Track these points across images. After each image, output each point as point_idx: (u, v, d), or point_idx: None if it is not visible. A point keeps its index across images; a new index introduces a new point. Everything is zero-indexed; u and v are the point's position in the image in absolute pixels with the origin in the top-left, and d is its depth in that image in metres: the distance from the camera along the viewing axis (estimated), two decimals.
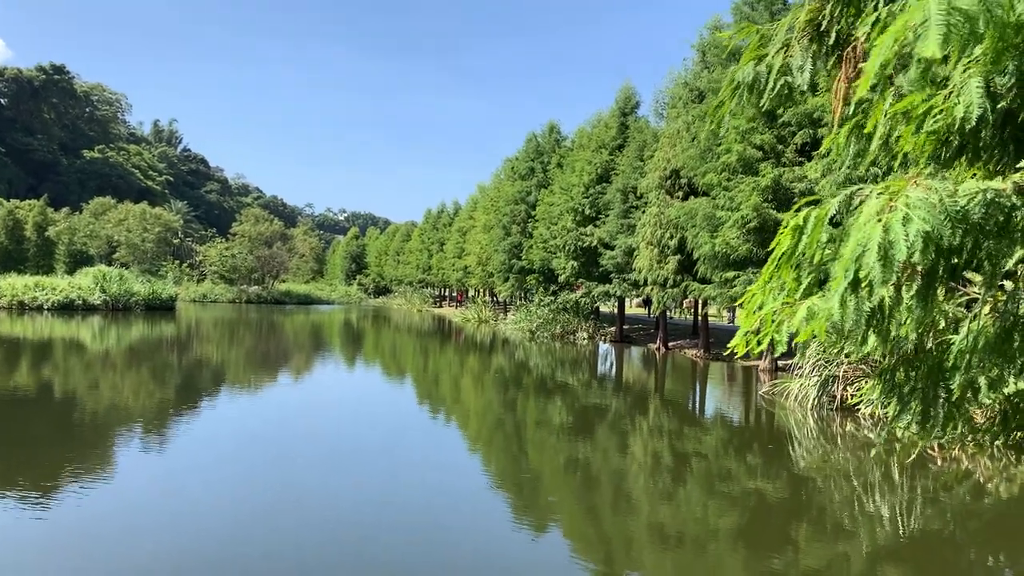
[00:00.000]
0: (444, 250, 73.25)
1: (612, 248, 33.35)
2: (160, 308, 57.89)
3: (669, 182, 28.21)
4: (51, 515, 9.13)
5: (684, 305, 32.57)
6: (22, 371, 22.81)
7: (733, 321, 46.67)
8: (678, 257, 27.32)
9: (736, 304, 25.80)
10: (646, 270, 28.48)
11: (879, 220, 2.62)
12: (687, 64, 30.27)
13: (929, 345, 3.75)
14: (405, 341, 41.57)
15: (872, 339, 3.07)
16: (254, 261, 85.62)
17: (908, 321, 3.22)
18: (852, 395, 17.44)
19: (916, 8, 2.27)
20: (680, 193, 27.82)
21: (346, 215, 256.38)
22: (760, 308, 3.35)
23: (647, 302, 55.96)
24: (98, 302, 54.68)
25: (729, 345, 3.50)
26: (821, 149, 5.05)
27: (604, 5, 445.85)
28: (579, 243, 36.02)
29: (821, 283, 3.14)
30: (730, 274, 22.69)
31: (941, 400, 3.80)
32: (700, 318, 32.33)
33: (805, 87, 3.89)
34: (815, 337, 2.99)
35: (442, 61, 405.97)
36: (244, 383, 22.88)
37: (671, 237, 27.38)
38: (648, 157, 31.25)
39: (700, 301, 30.14)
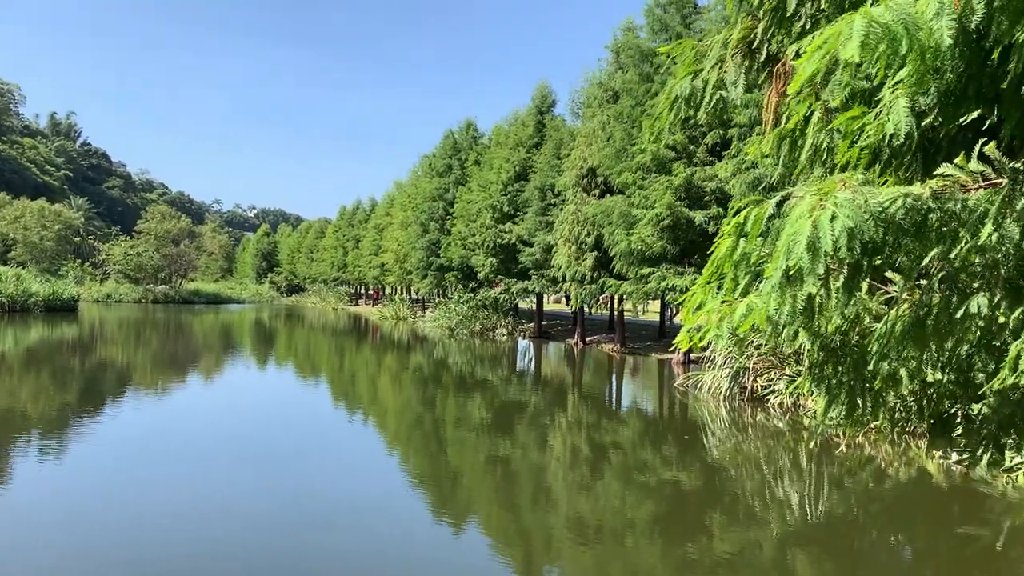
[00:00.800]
0: (360, 247, 72.42)
1: (531, 245, 33.70)
2: (61, 309, 55.31)
3: (586, 180, 28.70)
4: None
5: (601, 301, 33.21)
6: None
7: (642, 314, 47.57)
8: (595, 254, 27.83)
9: (651, 299, 26.47)
10: (564, 267, 28.91)
11: (809, 217, 2.85)
12: (602, 65, 30.88)
13: (854, 339, 4.04)
14: (320, 340, 40.94)
15: (802, 334, 3.30)
16: (161, 260, 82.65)
17: (835, 315, 3.48)
18: (762, 386, 18.20)
19: (843, 22, 2.52)
20: (597, 191, 28.33)
21: (256, 212, 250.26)
22: (701, 307, 3.55)
23: (567, 298, 56.77)
24: None
25: (675, 342, 3.69)
26: (750, 157, 5.33)
27: (523, 4, 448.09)
28: (498, 240, 36.23)
29: (757, 281, 3.37)
30: (645, 270, 23.26)
31: (866, 391, 4.10)
32: (616, 314, 33.02)
33: (739, 101, 4.12)
34: (756, 331, 3.21)
35: (357, 57, 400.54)
36: (151, 386, 22.13)
37: (588, 234, 27.87)
38: (565, 155, 31.70)
39: (616, 297, 30.79)
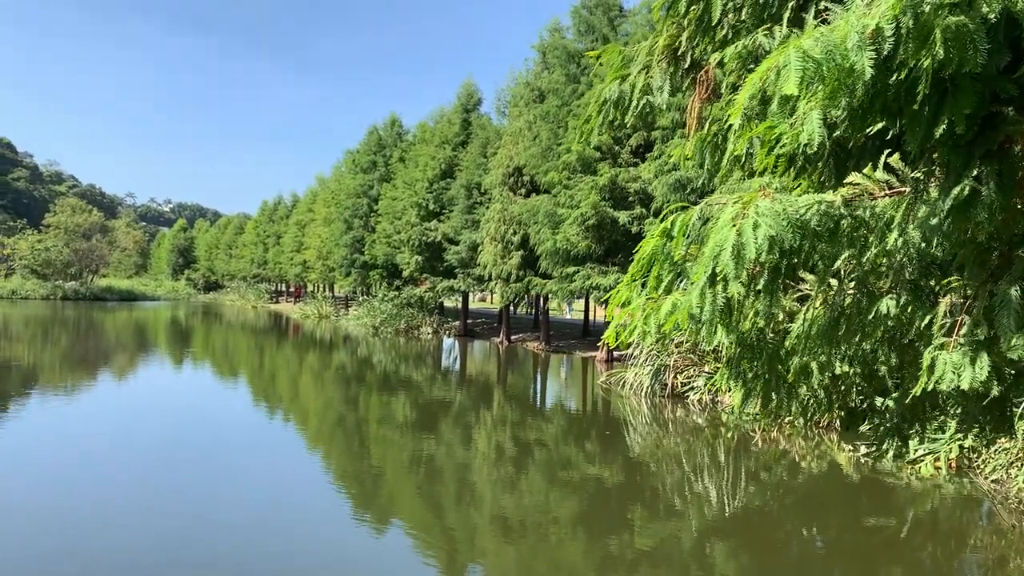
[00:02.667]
0: (281, 244, 71.02)
1: (456, 243, 33.70)
2: None
3: (512, 179, 28.86)
4: None
5: (527, 299, 33.54)
6: None
7: (570, 312, 48.24)
8: (521, 253, 28.02)
9: (575, 298, 26.82)
10: (490, 265, 29.01)
11: (734, 226, 3.01)
12: (528, 64, 31.12)
13: (769, 335, 4.23)
14: (239, 339, 40.01)
15: (720, 331, 3.46)
16: (71, 255, 79.38)
17: (754, 313, 3.65)
18: (682, 383, 18.67)
19: (777, 54, 2.68)
20: (523, 190, 28.53)
21: (172, 206, 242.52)
22: (627, 304, 3.67)
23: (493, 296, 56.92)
24: None
25: (603, 338, 3.80)
26: (672, 159, 5.52)
27: (448, 2, 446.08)
28: (423, 238, 36.10)
29: (679, 280, 3.52)
30: (570, 269, 23.55)
31: (780, 384, 4.30)
32: (542, 312, 33.32)
33: (664, 106, 4.26)
34: (678, 328, 3.35)
35: (277, 49, 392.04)
36: (58, 386, 21.24)
37: (514, 233, 28.04)
38: (492, 154, 31.81)
39: (542, 296, 31.07)
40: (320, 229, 55.53)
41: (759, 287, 3.37)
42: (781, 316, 4.27)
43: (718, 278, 3.06)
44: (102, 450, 13.05)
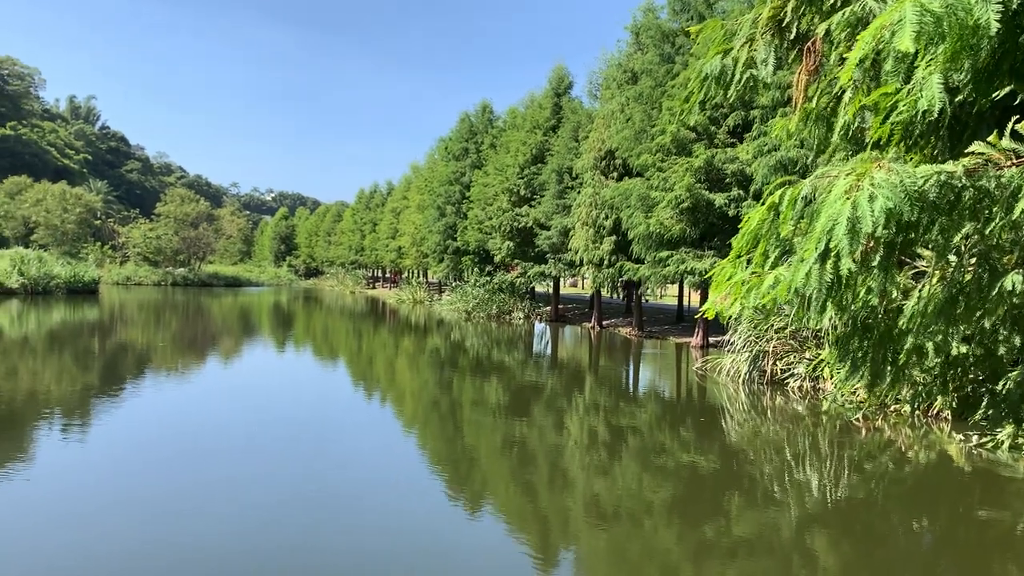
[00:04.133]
0: (377, 231, 72.58)
1: (548, 228, 33.65)
2: (82, 291, 55.93)
3: (604, 163, 28.58)
4: None
5: (619, 285, 33.25)
6: None
7: (660, 298, 47.49)
8: (613, 237, 27.74)
9: (669, 283, 26.43)
10: (582, 250, 28.85)
11: (848, 198, 2.86)
12: (621, 46, 30.69)
13: (881, 314, 4.04)
14: (338, 323, 41.16)
15: (830, 308, 3.32)
16: (180, 242, 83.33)
17: (865, 291, 3.48)
18: (781, 369, 18.15)
19: (893, 10, 2.51)
20: (615, 174, 28.22)
21: (274, 195, 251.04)
22: (730, 279, 3.57)
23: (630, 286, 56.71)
24: (16, 286, 52.46)
25: (701, 309, 3.72)
26: (774, 136, 5.32)
27: None
28: (514, 224, 36.20)
29: (786, 256, 3.39)
30: (664, 254, 23.19)
31: (889, 364, 4.11)
32: (634, 297, 32.99)
33: (768, 79, 4.11)
34: (778, 305, 3.23)
35: (372, 40, 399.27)
36: (171, 368, 22.37)
37: (606, 217, 27.78)
38: (583, 138, 31.57)
39: (634, 281, 30.76)
40: (414, 216, 56.45)
41: (873, 264, 3.21)
42: (895, 294, 4.07)
43: (831, 254, 2.93)
44: (207, 429, 13.68)
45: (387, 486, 10.20)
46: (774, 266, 3.41)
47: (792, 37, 4.05)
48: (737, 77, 4.20)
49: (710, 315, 3.81)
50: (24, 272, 53.57)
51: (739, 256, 3.64)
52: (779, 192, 3.40)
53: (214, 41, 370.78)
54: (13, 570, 7.09)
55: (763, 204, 3.43)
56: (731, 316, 3.69)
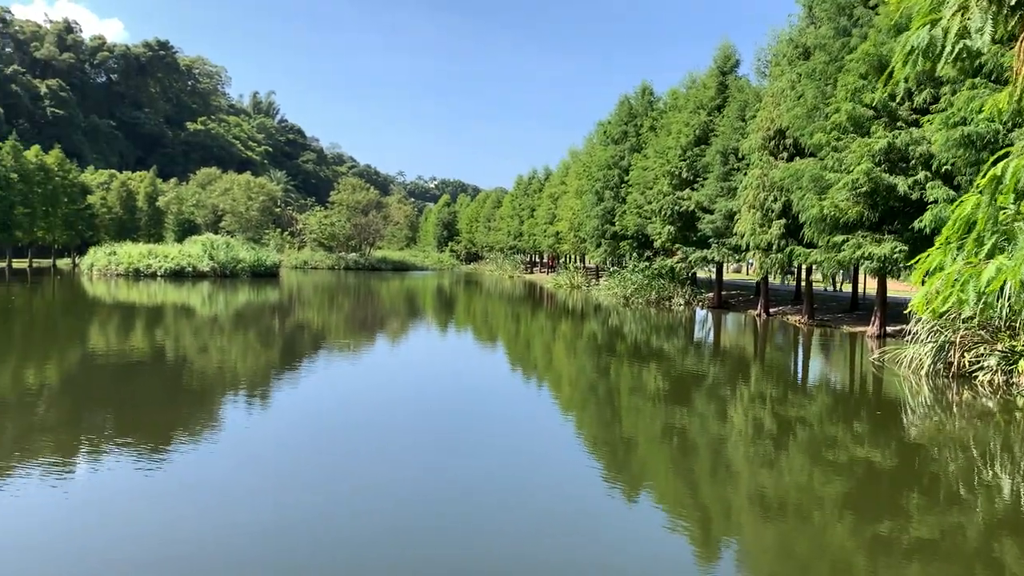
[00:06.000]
0: (535, 216, 73.27)
1: (711, 212, 32.64)
2: (264, 274, 60.16)
3: (773, 143, 27.33)
4: (158, 473, 9.73)
5: (788, 270, 31.77)
6: (143, 334, 24.22)
7: (839, 288, 45.01)
8: (782, 221, 26.49)
9: (843, 269, 24.94)
10: (748, 234, 27.76)
11: None
12: (792, 20, 29.14)
13: None
14: (497, 306, 41.97)
15: None
16: (351, 229, 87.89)
17: None
18: (970, 362, 16.70)
19: None
20: (785, 154, 26.91)
21: (436, 182, 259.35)
22: (939, 269, 3.23)
23: (749, 267, 54.70)
24: (206, 269, 57.20)
25: (911, 305, 3.41)
26: (985, 111, 4.79)
27: None
28: (676, 207, 35.39)
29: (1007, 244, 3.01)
30: (838, 238, 21.88)
31: None
32: (804, 283, 31.44)
33: (985, 49, 3.69)
34: (1005, 298, 2.88)
35: (526, 24, 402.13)
36: (344, 346, 23.64)
37: (775, 200, 26.56)
38: (750, 117, 30.33)
39: (805, 266, 29.28)
40: (572, 201, 56.51)
41: None
42: None
43: None
44: (376, 407, 14.34)
45: (545, 471, 10.27)
46: (990, 254, 3.04)
47: (1013, 2, 3.61)
48: (948, 49, 3.79)
49: (920, 311, 3.47)
50: (214, 256, 58.29)
51: (948, 242, 3.28)
52: (1003, 164, 3.03)
53: (379, 34, 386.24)
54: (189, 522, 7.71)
55: (983, 178, 3.06)
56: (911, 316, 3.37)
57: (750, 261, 31.36)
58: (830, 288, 43.34)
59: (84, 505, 8.17)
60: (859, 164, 20.37)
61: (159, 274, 55.88)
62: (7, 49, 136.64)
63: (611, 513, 8.49)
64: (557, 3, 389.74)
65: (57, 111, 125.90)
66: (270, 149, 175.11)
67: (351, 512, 8.22)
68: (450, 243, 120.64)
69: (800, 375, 19.44)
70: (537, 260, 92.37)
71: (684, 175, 35.26)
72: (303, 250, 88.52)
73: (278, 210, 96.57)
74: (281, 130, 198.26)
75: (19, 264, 77.34)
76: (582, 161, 56.89)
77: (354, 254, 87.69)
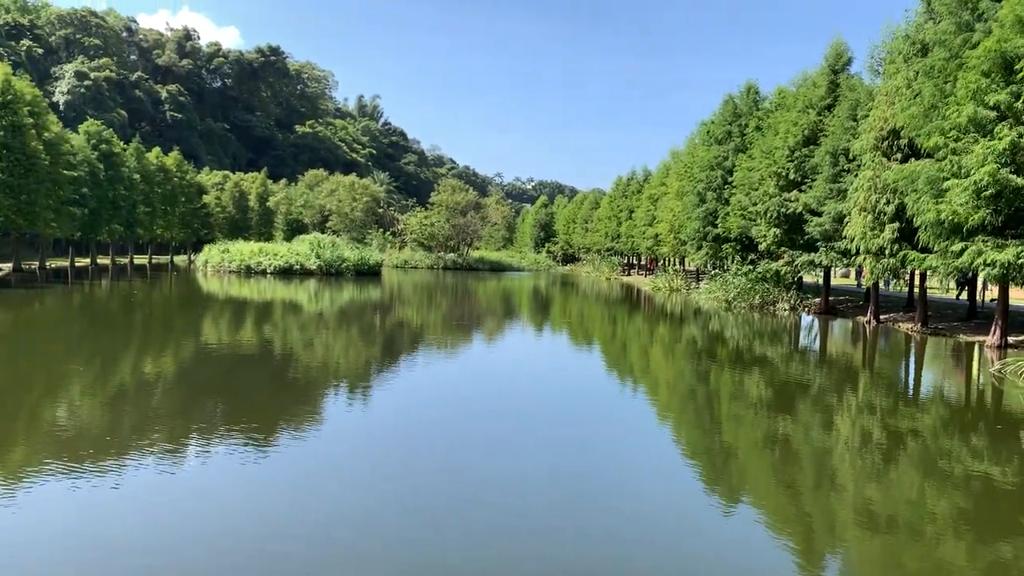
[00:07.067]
0: (634, 218, 72.52)
1: (819, 215, 31.55)
2: (367, 273, 61.78)
3: (886, 143, 26.20)
4: (267, 461, 10.16)
5: (901, 276, 30.33)
6: (254, 328, 25.32)
7: (959, 296, 42.83)
8: (895, 224, 25.36)
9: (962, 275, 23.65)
10: (858, 238, 26.70)
11: None
12: (908, 16, 27.84)
13: None
14: (593, 308, 41.80)
15: None
16: (450, 229, 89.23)
17: None
18: None
19: None
20: (899, 155, 25.76)
21: (533, 184, 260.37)
22: None
23: (858, 274, 52.60)
24: (313, 267, 59.20)
25: None
26: None
27: None
28: (782, 209, 34.37)
29: None
30: (957, 245, 20.79)
31: None
32: (918, 290, 30.04)
33: None
34: None
35: (630, 26, 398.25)
36: (442, 344, 24.05)
37: (887, 203, 25.45)
38: (862, 117, 29.18)
39: (919, 272, 27.95)
40: (672, 203, 55.68)
41: None
42: None
43: None
44: (467, 406, 14.55)
45: (642, 475, 10.20)
46: None
47: None
48: None
49: None
50: (320, 255, 60.28)
51: None
52: None
53: (481, 39, 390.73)
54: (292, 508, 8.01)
55: None
56: None
57: (859, 266, 30.16)
58: (953, 295, 41.13)
59: (191, 491, 8.64)
60: (982, 166, 19.29)
61: (268, 271, 58.19)
62: (132, 57, 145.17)
63: (705, 521, 8.34)
64: (660, 3, 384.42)
65: (176, 115, 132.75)
66: (374, 151, 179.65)
67: (474, 500, 8.38)
68: (547, 244, 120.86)
69: (912, 385, 18.58)
70: (635, 262, 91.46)
71: (791, 176, 34.23)
72: (404, 250, 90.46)
73: (381, 211, 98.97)
74: (385, 132, 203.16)
75: (140, 260, 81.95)
76: (683, 162, 55.96)
77: (452, 254, 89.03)
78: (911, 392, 17.61)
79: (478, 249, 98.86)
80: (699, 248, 47.86)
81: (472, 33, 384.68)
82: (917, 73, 24.18)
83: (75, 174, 54.36)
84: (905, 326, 29.14)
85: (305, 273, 58.51)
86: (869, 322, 30.85)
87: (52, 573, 6.40)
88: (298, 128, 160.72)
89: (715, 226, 44.77)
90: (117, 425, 11.39)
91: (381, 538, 7.40)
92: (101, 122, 69.53)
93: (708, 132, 49.75)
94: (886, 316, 31.90)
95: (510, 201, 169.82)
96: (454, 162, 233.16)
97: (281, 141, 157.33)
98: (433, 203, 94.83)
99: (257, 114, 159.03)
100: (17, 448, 10.03)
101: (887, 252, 25.68)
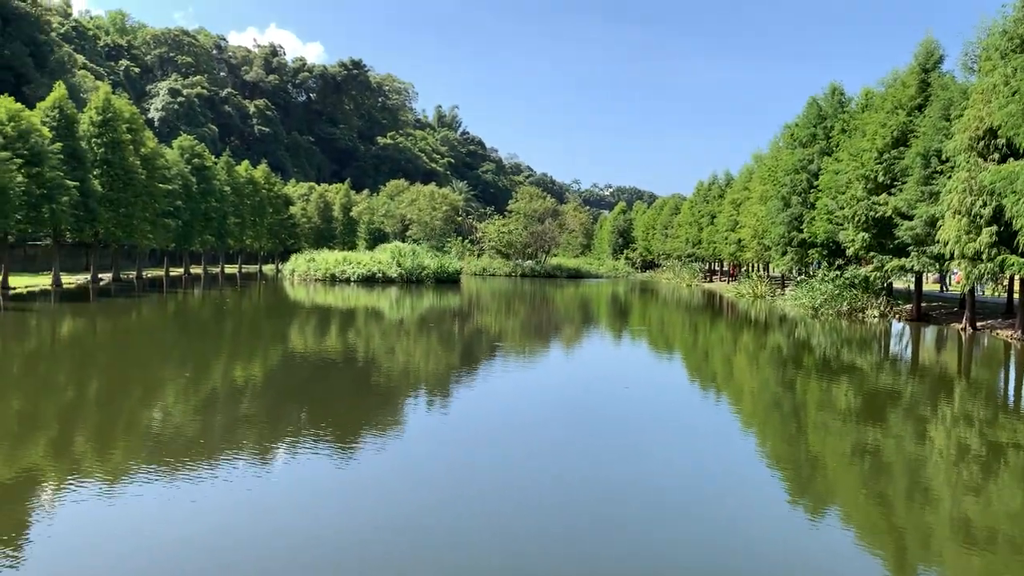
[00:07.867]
0: (715, 223, 71.33)
1: (910, 218, 30.43)
2: (447, 281, 62.65)
3: (982, 143, 25.11)
4: (350, 466, 10.43)
5: (999, 282, 28.98)
6: (339, 335, 25.99)
7: None
8: (993, 228, 24.28)
9: None
10: (952, 242, 25.66)
11: None
12: (1005, 11, 26.64)
13: None
14: (674, 315, 41.30)
15: None
16: (528, 236, 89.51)
17: None
18: None
19: None
20: (996, 155, 24.65)
21: (611, 190, 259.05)
22: None
23: (942, 278, 50.50)
24: (394, 275, 60.42)
25: None
26: None
27: None
28: (870, 213, 33.26)
29: None
30: None
31: None
32: (1018, 296, 28.63)
33: None
34: None
35: (713, 29, 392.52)
36: (520, 351, 24.17)
37: (984, 205, 24.38)
38: (955, 116, 28.04)
39: (1018, 277, 26.66)
40: (755, 207, 54.58)
41: None
42: None
43: None
44: (549, 416, 14.59)
45: (726, 486, 10.06)
46: None
47: None
48: None
49: None
50: (401, 263, 61.47)
51: None
52: None
53: (559, 46, 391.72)
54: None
55: None
56: None
57: (954, 271, 28.95)
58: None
59: (274, 492, 8.95)
60: None
61: (352, 279, 59.66)
62: (222, 73, 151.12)
63: (791, 531, 8.18)
64: (741, 5, 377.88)
65: (263, 128, 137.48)
66: (452, 160, 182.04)
67: (546, 503, 8.45)
68: (625, 251, 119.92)
69: (1011, 396, 17.73)
70: (716, 268, 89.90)
71: (880, 179, 33.11)
72: (482, 257, 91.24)
73: (459, 219, 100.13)
74: (463, 142, 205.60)
75: (230, 269, 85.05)
76: (767, 165, 54.79)
77: (530, 261, 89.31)
78: (1011, 402, 16.81)
79: (556, 256, 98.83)
80: (784, 253, 46.76)
81: (551, 40, 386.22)
82: (1015, 69, 23.12)
83: (170, 187, 56.88)
84: (1004, 333, 27.82)
85: (387, 281, 59.72)
86: (965, 329, 29.56)
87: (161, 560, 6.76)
88: (380, 139, 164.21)
89: (800, 231, 43.68)
90: (227, 426, 11.91)
91: (471, 535, 7.53)
92: (193, 137, 72.56)
93: (792, 135, 48.63)
94: (983, 323, 30.51)
95: (588, 208, 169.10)
96: (531, 169, 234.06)
97: (363, 152, 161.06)
98: (511, 211, 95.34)
99: (340, 126, 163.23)
100: (118, 447, 10.60)
101: (984, 256, 24.59)
